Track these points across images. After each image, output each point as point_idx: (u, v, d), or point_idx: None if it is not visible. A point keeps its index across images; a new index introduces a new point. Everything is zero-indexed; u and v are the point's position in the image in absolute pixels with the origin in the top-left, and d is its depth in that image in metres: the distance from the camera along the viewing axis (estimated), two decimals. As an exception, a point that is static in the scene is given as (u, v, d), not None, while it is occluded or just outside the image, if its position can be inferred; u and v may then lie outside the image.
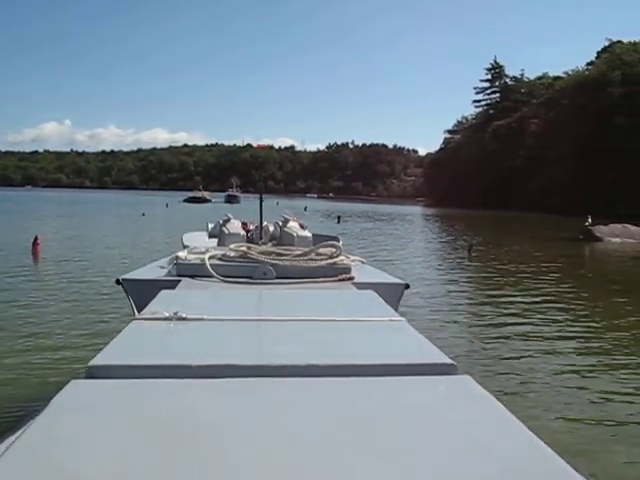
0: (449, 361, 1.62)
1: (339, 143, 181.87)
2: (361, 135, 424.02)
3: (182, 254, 3.48)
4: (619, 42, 58.46)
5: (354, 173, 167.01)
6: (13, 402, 4.53)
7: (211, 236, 4.94)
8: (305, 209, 47.27)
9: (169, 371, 1.49)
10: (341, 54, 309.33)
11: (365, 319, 2.15)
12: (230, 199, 70.57)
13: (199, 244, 4.23)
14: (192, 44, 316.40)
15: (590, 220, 24.03)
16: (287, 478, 1.00)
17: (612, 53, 55.32)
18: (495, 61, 79.36)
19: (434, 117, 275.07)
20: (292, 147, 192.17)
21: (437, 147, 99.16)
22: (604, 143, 48.74)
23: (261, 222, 4.73)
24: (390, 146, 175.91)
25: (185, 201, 66.52)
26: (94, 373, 1.49)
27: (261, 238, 4.59)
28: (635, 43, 55.40)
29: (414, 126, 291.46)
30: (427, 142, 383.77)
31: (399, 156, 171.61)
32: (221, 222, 4.77)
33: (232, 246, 3.56)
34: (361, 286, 3.14)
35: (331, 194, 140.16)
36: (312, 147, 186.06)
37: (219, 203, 66.85)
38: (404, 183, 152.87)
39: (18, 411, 4.20)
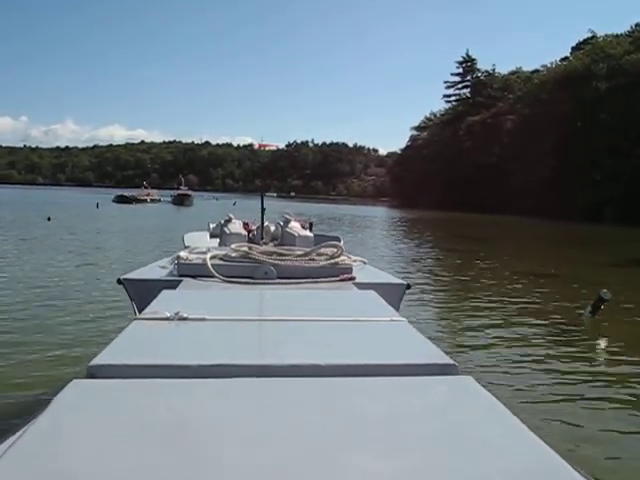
0: (450, 361, 1.61)
1: (299, 142, 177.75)
2: (321, 134, 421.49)
3: (183, 254, 3.46)
4: (594, 36, 55.83)
5: (314, 172, 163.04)
6: (14, 402, 4.33)
7: (212, 236, 5.34)
8: (264, 211, 41.64)
9: (170, 371, 1.49)
10: (300, 51, 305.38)
11: (366, 319, 2.13)
12: (180, 200, 56.48)
13: (200, 244, 4.31)
14: (151, 42, 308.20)
15: None
16: (288, 478, 1.00)
17: (595, 46, 52.07)
18: (467, 54, 75.42)
19: (395, 116, 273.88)
20: (251, 145, 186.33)
21: (397, 146, 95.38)
22: (588, 141, 45.38)
23: (262, 222, 4.73)
24: (350, 145, 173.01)
25: (114, 201, 53.64)
26: (95, 373, 1.48)
27: (262, 238, 4.61)
28: (618, 35, 52.56)
29: (374, 125, 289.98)
30: (387, 141, 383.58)
31: (359, 155, 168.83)
32: (222, 222, 5.05)
33: (233, 246, 3.55)
34: (362, 286, 3.11)
35: (292, 193, 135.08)
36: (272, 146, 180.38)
37: (165, 204, 55.85)
38: (364, 183, 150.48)
39: (19, 411, 3.96)
